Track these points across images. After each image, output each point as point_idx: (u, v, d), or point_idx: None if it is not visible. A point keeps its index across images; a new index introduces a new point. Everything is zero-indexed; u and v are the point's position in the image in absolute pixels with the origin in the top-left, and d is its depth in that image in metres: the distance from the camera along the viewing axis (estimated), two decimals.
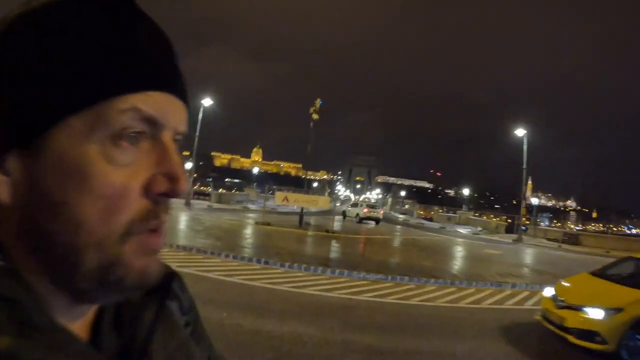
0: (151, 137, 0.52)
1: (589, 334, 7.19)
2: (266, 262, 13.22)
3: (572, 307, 7.65)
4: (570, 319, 7.48)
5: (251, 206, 44.06)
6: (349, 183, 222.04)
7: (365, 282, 12.17)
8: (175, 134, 0.55)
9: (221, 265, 12.46)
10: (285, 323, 7.73)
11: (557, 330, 7.78)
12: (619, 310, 7.15)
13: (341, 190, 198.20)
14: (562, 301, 7.89)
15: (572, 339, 7.38)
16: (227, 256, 13.56)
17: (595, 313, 7.26)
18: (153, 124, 0.51)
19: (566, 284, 8.94)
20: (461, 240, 31.26)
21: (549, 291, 8.67)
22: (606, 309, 7.22)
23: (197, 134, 39.24)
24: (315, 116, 33.41)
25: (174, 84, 0.55)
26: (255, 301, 9.11)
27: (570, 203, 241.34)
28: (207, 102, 39.13)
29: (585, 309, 7.42)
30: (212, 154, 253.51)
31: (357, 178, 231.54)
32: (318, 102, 33.04)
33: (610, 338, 6.98)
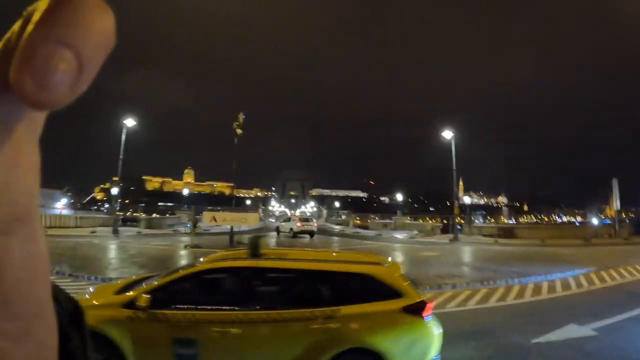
0: None
1: None
2: None
3: None
4: None
5: (183, 229, 42.48)
6: (283, 198, 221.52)
7: None
8: None
9: None
10: None
11: None
12: None
13: (276, 206, 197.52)
14: None
15: None
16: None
17: None
18: None
19: None
20: (398, 246, 30.96)
21: None
22: None
23: (122, 157, 37.58)
24: (239, 131, 32.54)
25: None
26: None
27: (502, 199, 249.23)
28: (129, 122, 37.59)
29: None
30: (143, 177, 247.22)
31: (291, 193, 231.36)
32: (241, 116, 32.28)
33: None
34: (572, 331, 8.50)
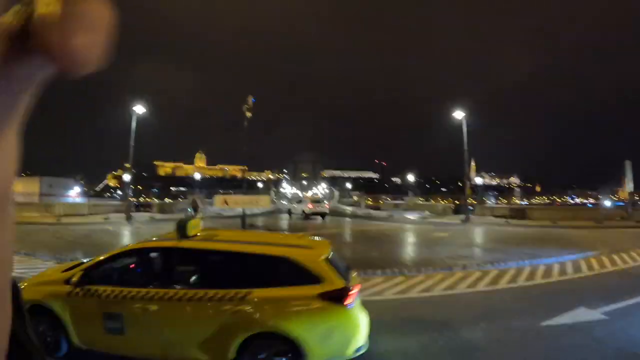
0: None
1: None
2: None
3: None
4: None
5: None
6: (294, 180, 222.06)
7: None
8: None
9: None
10: None
11: None
12: None
13: (287, 188, 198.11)
14: None
15: None
16: None
17: None
18: None
19: None
20: (409, 226, 30.94)
21: None
22: None
23: (133, 143, 37.72)
24: (248, 114, 32.42)
25: None
26: None
27: (514, 180, 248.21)
28: (139, 109, 37.69)
29: None
30: (155, 163, 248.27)
31: (303, 174, 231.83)
32: (250, 99, 32.11)
33: None
34: (581, 315, 8.48)
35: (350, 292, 5.73)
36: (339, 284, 5.76)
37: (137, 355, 5.96)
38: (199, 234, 6.84)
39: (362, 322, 5.84)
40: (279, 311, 5.65)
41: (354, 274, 6.62)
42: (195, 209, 38.28)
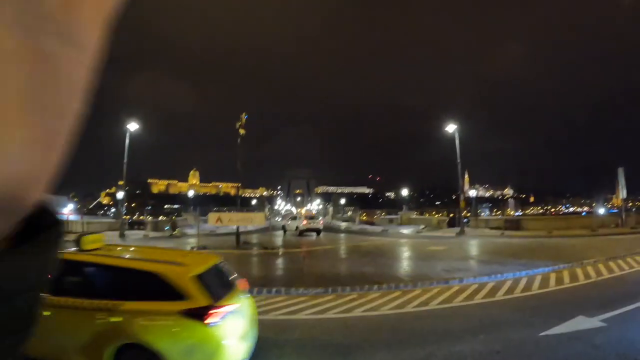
0: None
1: None
2: None
3: None
4: None
5: (189, 231, 42.45)
6: (288, 197, 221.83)
7: (304, 298, 11.31)
8: None
9: None
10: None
11: None
12: None
13: (282, 204, 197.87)
14: None
15: None
16: None
17: None
18: None
19: None
20: (404, 241, 30.81)
21: None
22: None
23: (126, 160, 37.67)
24: (242, 131, 32.36)
25: None
26: None
27: (508, 191, 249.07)
28: (132, 126, 37.72)
29: None
30: (149, 181, 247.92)
31: (297, 191, 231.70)
32: (244, 116, 32.07)
33: None
34: (580, 323, 8.43)
35: (213, 311, 5.79)
36: (202, 301, 5.84)
37: (36, 355, 5.96)
38: (98, 247, 7.21)
39: (230, 341, 5.89)
40: (144, 324, 5.83)
41: (236, 293, 6.73)
42: (174, 228, 38.94)
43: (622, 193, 36.62)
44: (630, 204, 45.77)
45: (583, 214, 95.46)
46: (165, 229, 41.53)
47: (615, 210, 41.88)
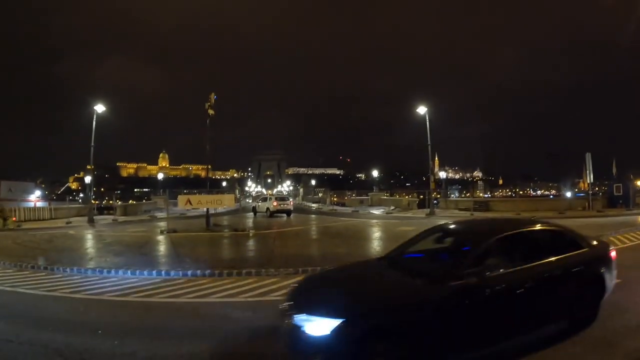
0: None
1: None
2: (167, 273, 12.24)
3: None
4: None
5: (159, 214, 42.17)
6: (259, 179, 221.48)
7: (275, 279, 11.43)
8: None
9: (118, 284, 11.37)
10: (183, 343, 6.72)
11: None
12: None
13: (252, 186, 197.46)
14: None
15: None
16: (124, 273, 12.51)
17: None
18: None
19: None
20: (375, 222, 31.14)
21: None
22: None
23: (93, 144, 37.09)
24: (211, 112, 32.00)
25: None
26: (151, 321, 8.19)
27: (477, 174, 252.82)
28: (99, 108, 37.11)
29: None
30: (118, 164, 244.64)
31: (267, 172, 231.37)
32: (213, 96, 31.70)
33: None
34: None
35: None
36: None
37: None
38: None
39: None
40: None
41: None
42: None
43: (589, 177, 37.74)
44: (597, 189, 47.12)
45: (551, 197, 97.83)
46: None
47: (582, 194, 43.11)
